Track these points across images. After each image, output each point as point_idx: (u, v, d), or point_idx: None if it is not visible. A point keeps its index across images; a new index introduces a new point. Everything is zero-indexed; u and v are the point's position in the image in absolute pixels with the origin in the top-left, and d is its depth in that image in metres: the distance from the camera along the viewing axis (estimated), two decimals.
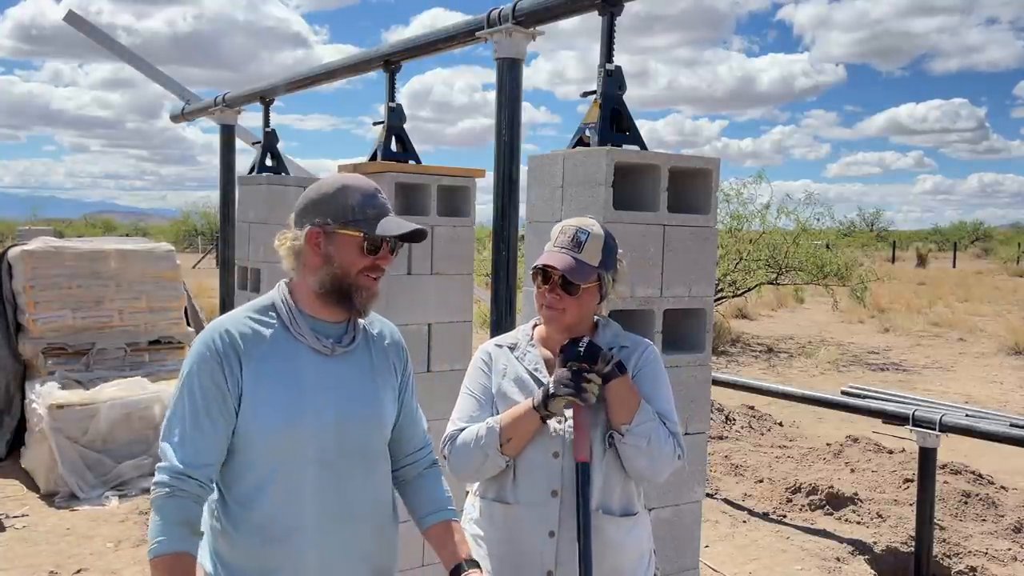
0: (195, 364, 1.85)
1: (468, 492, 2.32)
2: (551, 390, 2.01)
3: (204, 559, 1.93)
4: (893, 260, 40.45)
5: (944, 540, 5.21)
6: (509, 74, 3.27)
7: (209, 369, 1.83)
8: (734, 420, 8.34)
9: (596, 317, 2.21)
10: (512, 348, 2.21)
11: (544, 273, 2.10)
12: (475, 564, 2.00)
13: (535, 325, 2.25)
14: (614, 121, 2.79)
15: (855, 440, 7.42)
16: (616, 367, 2.03)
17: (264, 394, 1.84)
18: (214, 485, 1.87)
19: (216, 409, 1.83)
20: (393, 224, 1.90)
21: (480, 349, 2.27)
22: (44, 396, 6.12)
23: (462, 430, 2.12)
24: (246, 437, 1.86)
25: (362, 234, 1.88)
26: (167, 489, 1.78)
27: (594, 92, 2.81)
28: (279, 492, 1.86)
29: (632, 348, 2.17)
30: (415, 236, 1.93)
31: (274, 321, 1.90)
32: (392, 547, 2.06)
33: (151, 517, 1.81)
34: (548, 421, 2.06)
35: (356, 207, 1.89)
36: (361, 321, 1.99)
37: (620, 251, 2.17)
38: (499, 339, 2.28)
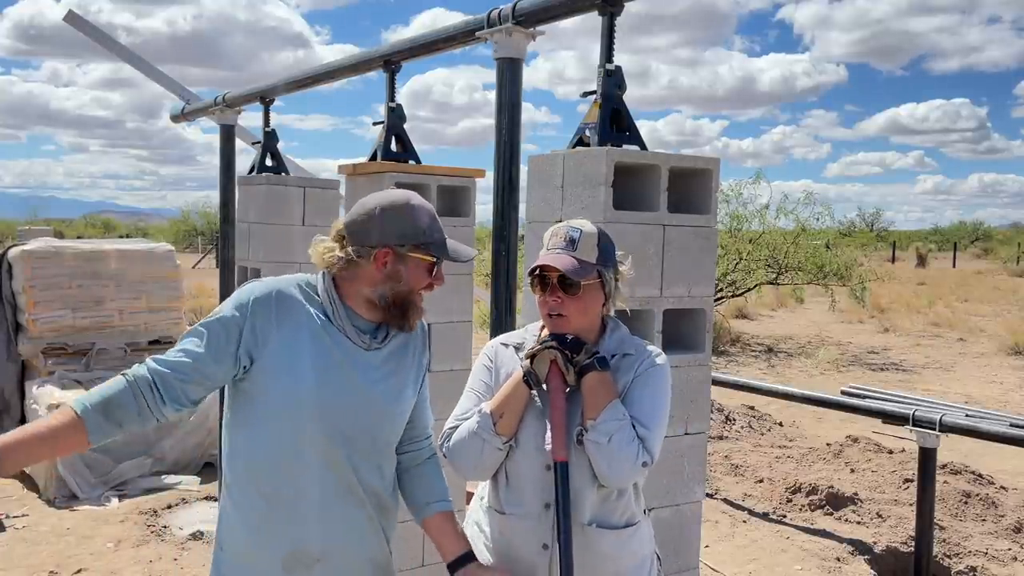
0: (232, 309, 1.90)
1: (472, 494, 2.30)
2: (536, 348, 2.00)
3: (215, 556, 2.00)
4: (893, 260, 40.43)
5: (944, 540, 5.21)
6: (509, 74, 3.27)
7: (236, 319, 1.88)
8: (734, 420, 8.34)
9: (605, 319, 2.14)
10: (518, 348, 2.16)
11: (542, 278, 2.04)
12: (475, 558, 2.03)
13: (543, 327, 2.19)
14: (614, 121, 2.79)
15: (855, 440, 7.42)
16: (596, 362, 1.98)
17: (289, 363, 1.88)
18: (169, 411, 1.86)
19: (210, 355, 1.86)
20: (462, 250, 1.99)
21: (486, 346, 2.24)
22: (44, 396, 6.12)
23: (457, 427, 2.09)
24: (266, 398, 1.89)
25: (434, 259, 1.95)
26: (132, 377, 1.84)
27: (594, 92, 2.80)
28: (288, 462, 1.90)
29: (636, 356, 2.08)
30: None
31: (318, 301, 1.95)
32: (388, 539, 2.09)
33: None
34: (535, 391, 2.03)
35: (427, 230, 1.93)
36: None
37: (620, 252, 2.12)
38: (505, 337, 2.23)
